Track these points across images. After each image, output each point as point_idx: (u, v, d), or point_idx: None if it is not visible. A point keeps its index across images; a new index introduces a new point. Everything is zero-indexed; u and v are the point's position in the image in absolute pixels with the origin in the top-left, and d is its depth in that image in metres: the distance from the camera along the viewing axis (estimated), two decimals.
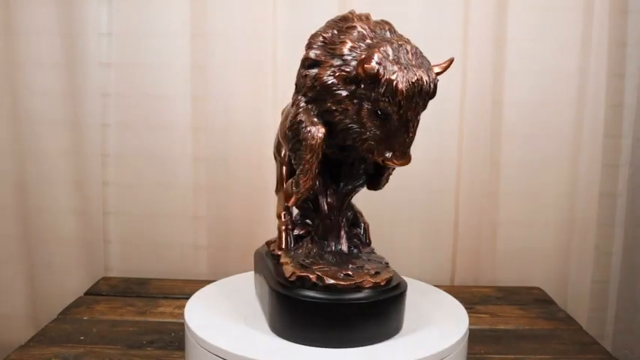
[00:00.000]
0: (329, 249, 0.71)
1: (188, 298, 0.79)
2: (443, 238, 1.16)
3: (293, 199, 0.67)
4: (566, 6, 1.10)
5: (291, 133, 0.65)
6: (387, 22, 0.64)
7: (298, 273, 0.66)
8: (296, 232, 0.77)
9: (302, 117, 0.63)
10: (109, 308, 0.99)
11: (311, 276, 0.66)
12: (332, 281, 0.65)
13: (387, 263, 0.72)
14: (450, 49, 1.08)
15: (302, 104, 0.64)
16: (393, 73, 0.56)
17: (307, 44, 0.64)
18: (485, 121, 1.11)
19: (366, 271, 0.68)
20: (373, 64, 0.56)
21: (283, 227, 0.77)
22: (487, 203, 1.15)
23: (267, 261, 0.76)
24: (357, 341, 0.65)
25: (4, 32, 1.11)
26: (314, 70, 0.62)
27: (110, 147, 1.16)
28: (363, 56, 0.58)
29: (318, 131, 0.62)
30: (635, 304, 1.13)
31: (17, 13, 1.10)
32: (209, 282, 0.88)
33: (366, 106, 0.59)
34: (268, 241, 0.81)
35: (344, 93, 0.60)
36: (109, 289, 1.08)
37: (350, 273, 0.67)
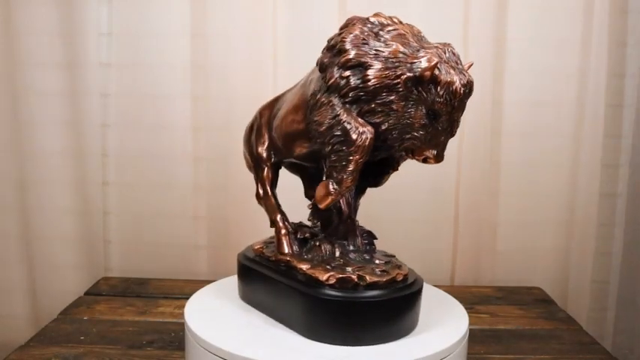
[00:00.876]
0: (350, 248, 0.72)
1: (188, 298, 0.79)
2: (443, 237, 1.16)
3: (330, 200, 0.65)
4: (566, 6, 1.10)
5: (332, 134, 0.63)
6: (415, 26, 0.65)
7: (338, 275, 0.66)
8: (299, 235, 0.76)
9: (345, 117, 0.62)
10: (109, 308, 0.98)
11: (352, 276, 0.66)
12: (374, 279, 0.66)
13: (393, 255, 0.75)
14: None
15: (338, 104, 0.63)
16: (452, 76, 0.58)
17: (341, 46, 0.62)
18: (486, 120, 1.11)
19: (393, 264, 0.70)
20: (437, 67, 0.58)
21: (283, 232, 0.76)
22: (487, 203, 1.15)
23: (268, 266, 0.74)
24: (388, 337, 0.66)
25: (4, 32, 1.12)
26: (357, 72, 0.61)
27: (110, 147, 1.16)
28: (426, 59, 0.59)
29: (369, 132, 0.62)
30: (635, 304, 1.13)
31: (17, 13, 1.10)
32: (209, 282, 0.88)
33: (419, 107, 0.60)
34: (257, 247, 0.78)
35: (395, 94, 0.60)
36: (109, 289, 1.08)
37: (385, 269, 0.68)
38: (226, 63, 1.10)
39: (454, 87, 0.58)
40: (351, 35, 0.62)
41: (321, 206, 0.66)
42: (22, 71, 1.12)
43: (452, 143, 1.10)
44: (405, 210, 1.14)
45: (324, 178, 0.67)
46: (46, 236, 1.18)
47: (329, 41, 0.65)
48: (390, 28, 0.63)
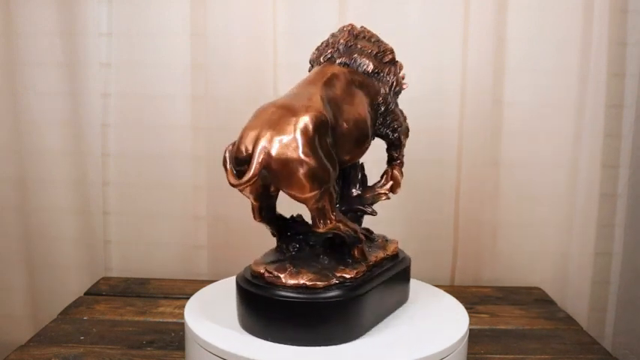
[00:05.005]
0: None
1: (188, 298, 0.79)
2: (443, 237, 1.16)
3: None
4: (566, 6, 1.09)
5: (405, 126, 0.78)
6: None
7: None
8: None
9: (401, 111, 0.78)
10: (109, 308, 0.99)
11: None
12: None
13: None
14: (450, 48, 1.08)
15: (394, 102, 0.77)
16: None
17: (393, 56, 0.75)
18: (485, 121, 1.11)
19: None
20: None
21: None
22: (487, 203, 1.15)
23: (377, 278, 0.70)
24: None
25: (4, 32, 1.12)
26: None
27: (110, 147, 1.16)
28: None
29: None
30: (635, 305, 1.13)
31: (17, 13, 1.10)
32: (209, 282, 0.88)
33: None
34: (346, 274, 0.66)
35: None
36: (109, 289, 1.08)
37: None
38: (226, 63, 1.10)
39: None
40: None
41: (398, 191, 0.78)
42: (22, 71, 1.12)
43: (452, 142, 1.11)
44: (404, 210, 1.14)
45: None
46: (46, 236, 1.18)
47: (385, 49, 0.75)
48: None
